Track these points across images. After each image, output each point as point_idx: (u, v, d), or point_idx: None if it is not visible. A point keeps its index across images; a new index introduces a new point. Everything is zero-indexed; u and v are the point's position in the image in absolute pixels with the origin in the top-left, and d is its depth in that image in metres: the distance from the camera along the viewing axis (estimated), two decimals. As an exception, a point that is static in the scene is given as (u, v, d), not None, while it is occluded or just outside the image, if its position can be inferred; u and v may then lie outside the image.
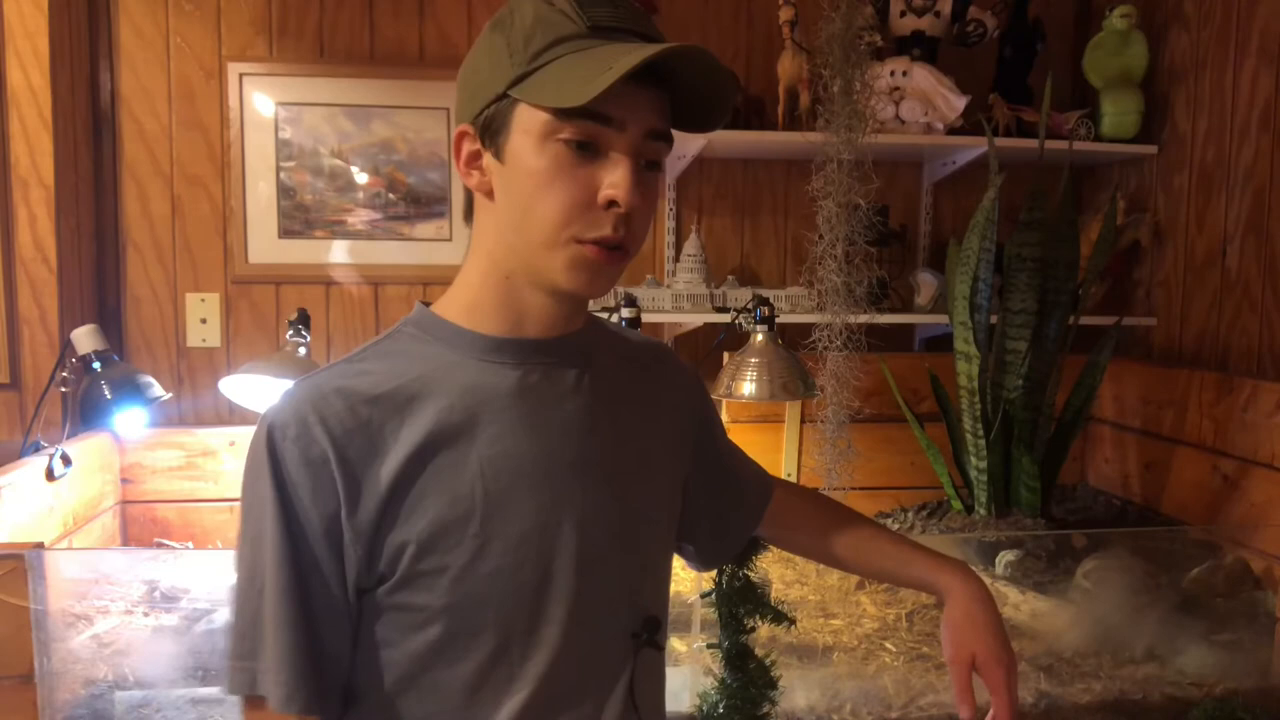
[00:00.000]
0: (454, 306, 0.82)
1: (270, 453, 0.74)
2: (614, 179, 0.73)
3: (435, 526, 0.74)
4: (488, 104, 0.76)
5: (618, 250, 0.75)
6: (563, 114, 0.72)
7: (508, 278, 0.79)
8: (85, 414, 1.75)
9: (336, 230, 2.12)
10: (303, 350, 1.76)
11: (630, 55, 0.69)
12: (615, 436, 0.84)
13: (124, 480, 1.97)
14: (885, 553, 1.02)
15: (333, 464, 0.73)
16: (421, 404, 0.76)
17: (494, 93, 0.75)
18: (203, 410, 2.10)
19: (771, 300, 1.79)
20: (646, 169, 0.76)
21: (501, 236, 0.78)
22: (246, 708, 0.75)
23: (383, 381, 0.77)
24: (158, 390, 1.78)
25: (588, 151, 0.73)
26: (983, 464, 1.83)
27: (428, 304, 0.83)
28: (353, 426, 0.74)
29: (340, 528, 0.74)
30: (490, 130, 0.76)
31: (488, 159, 0.77)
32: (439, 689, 0.76)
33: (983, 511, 1.88)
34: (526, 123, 0.74)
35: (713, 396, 1.89)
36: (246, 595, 0.75)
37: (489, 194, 0.78)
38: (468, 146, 0.79)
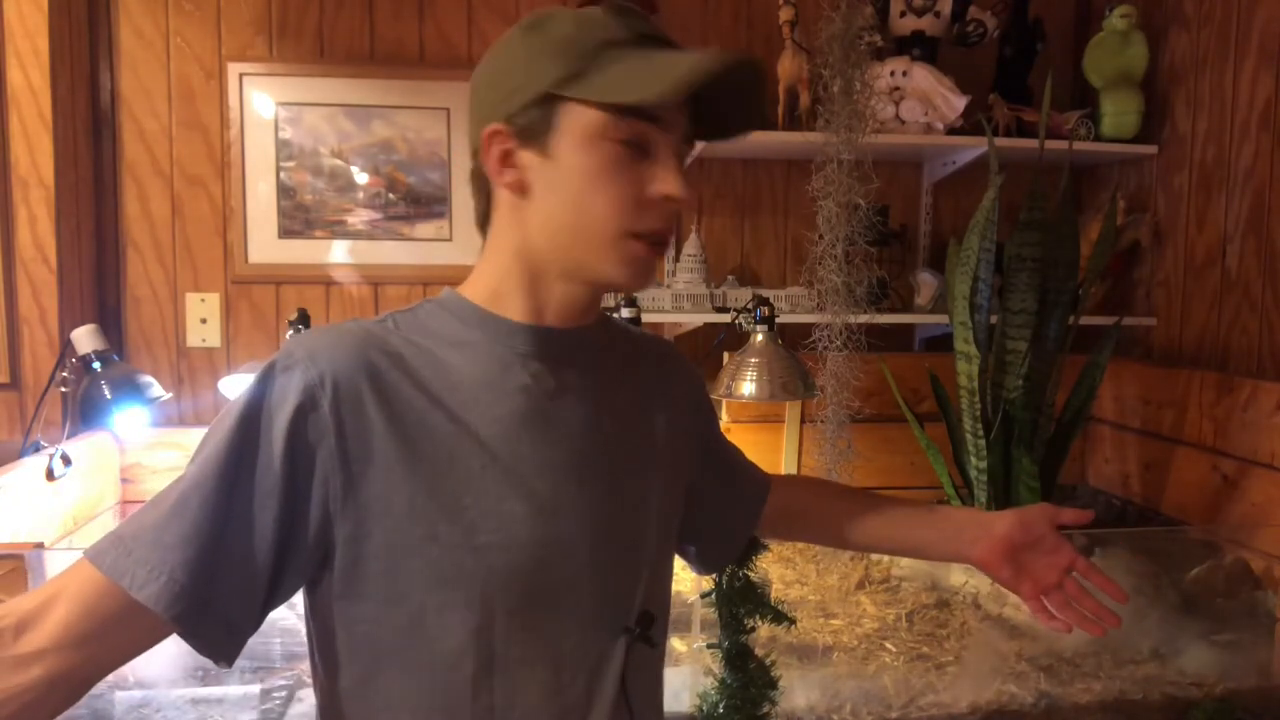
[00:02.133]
0: (477, 290, 0.83)
1: (265, 374, 0.74)
2: (666, 175, 0.77)
3: (429, 492, 0.74)
4: (526, 103, 0.77)
5: (662, 245, 0.79)
6: (619, 113, 0.75)
7: (532, 269, 0.81)
8: (85, 414, 1.74)
9: (336, 230, 2.12)
10: (303, 350, 1.76)
11: (704, 59, 0.72)
12: (617, 431, 0.84)
13: (124, 480, 1.97)
14: (900, 533, 1.05)
15: (326, 399, 0.73)
16: (433, 370, 0.78)
17: (535, 92, 0.76)
18: (203, 410, 2.10)
19: (771, 300, 1.79)
20: None
21: (537, 231, 0.79)
22: (77, 574, 0.70)
23: (400, 340, 0.79)
24: (158, 390, 1.78)
25: (636, 150, 0.76)
26: (983, 464, 1.83)
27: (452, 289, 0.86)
28: (361, 367, 0.75)
29: (308, 469, 0.72)
30: (531, 129, 0.77)
31: (526, 156, 0.78)
32: (419, 666, 0.75)
33: (983, 511, 1.88)
34: (577, 121, 0.76)
35: (713, 396, 1.90)
36: (166, 492, 0.72)
37: (521, 191, 0.79)
38: (500, 145, 0.79)
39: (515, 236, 0.81)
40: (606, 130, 0.75)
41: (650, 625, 0.84)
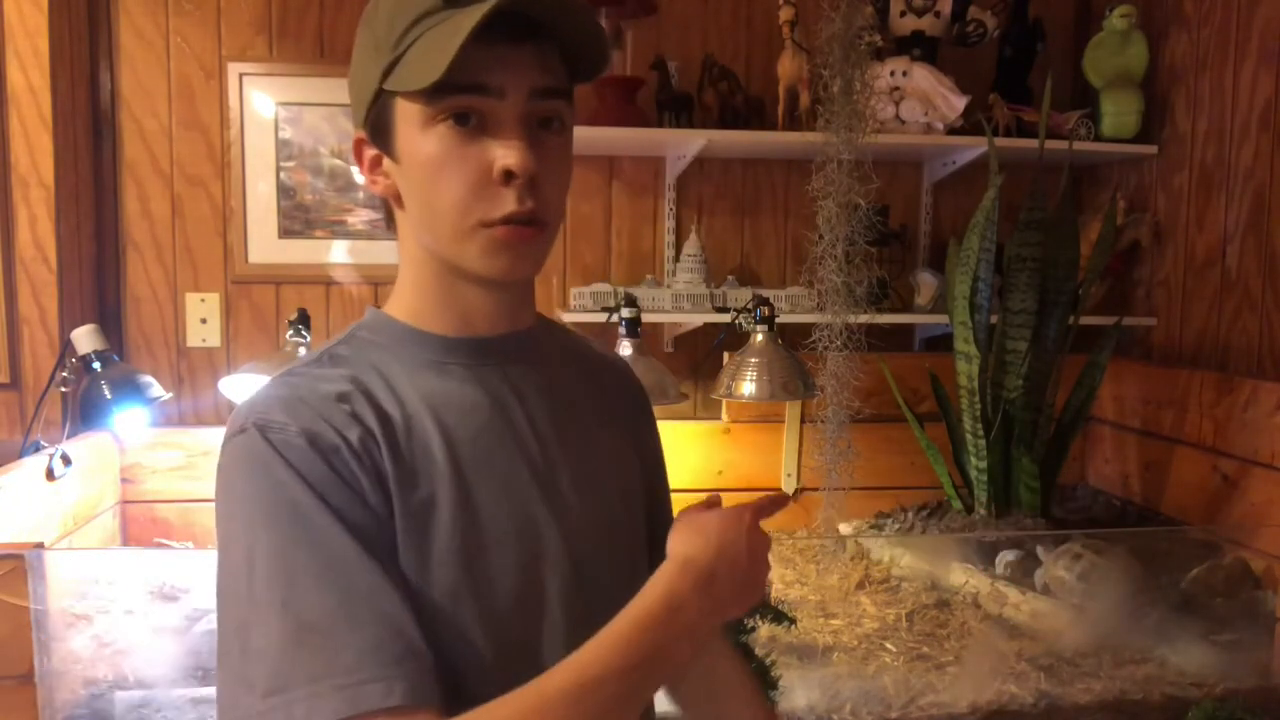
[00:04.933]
0: (402, 308, 0.78)
1: (272, 446, 0.68)
2: (504, 148, 0.68)
3: (412, 529, 0.70)
4: (369, 105, 0.73)
5: (532, 225, 0.71)
6: (433, 95, 0.68)
7: (436, 277, 0.76)
8: (85, 414, 1.74)
9: (336, 230, 2.12)
10: (303, 350, 1.76)
11: (471, 16, 0.65)
12: (578, 438, 0.81)
13: (124, 480, 1.97)
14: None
15: (344, 449, 0.68)
16: (382, 407, 0.72)
17: (371, 91, 0.72)
18: (203, 410, 2.10)
19: (771, 300, 1.79)
20: (543, 129, 0.72)
21: (417, 238, 0.75)
22: None
23: (341, 383, 0.72)
24: (158, 390, 1.78)
25: (472, 126, 0.69)
26: (983, 464, 1.83)
27: (378, 308, 0.80)
28: (340, 419, 0.69)
29: (379, 501, 0.68)
30: (379, 131, 0.74)
31: (386, 162, 0.75)
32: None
33: (983, 511, 1.88)
34: (406, 113, 0.71)
35: (712, 396, 1.90)
36: (270, 608, 0.63)
37: (396, 198, 0.75)
38: (367, 153, 0.76)
39: (410, 245, 0.76)
40: (430, 115, 0.69)
41: None
